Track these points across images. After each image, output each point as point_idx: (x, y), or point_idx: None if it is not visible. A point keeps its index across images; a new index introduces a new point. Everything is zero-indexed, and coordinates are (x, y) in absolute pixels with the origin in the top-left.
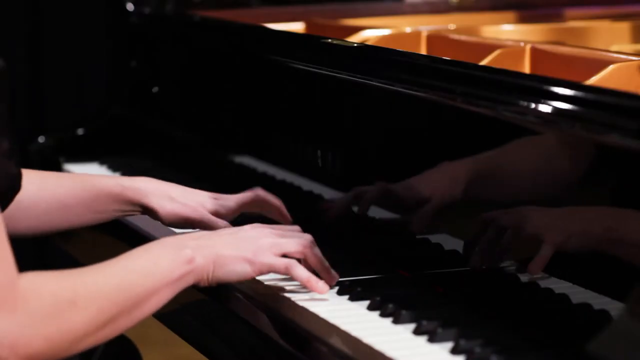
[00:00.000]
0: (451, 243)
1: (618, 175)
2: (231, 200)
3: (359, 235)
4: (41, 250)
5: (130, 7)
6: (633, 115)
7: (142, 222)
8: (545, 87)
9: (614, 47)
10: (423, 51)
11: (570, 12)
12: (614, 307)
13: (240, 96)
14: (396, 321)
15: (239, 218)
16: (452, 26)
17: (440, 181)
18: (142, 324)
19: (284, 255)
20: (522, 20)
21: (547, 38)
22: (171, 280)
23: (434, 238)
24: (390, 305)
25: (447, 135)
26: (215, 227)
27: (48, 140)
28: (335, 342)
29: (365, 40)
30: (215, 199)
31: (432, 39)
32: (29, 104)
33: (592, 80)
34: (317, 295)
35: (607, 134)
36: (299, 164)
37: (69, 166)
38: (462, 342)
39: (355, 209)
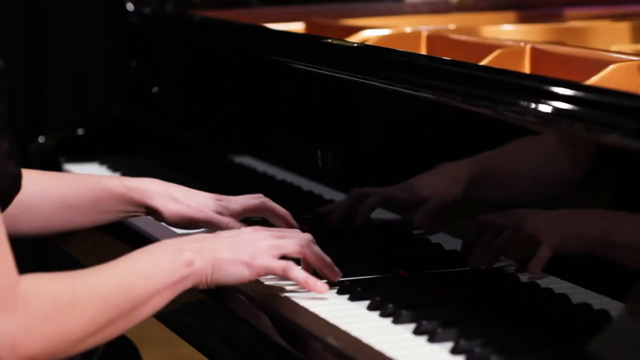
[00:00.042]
0: (451, 243)
1: (618, 175)
2: (236, 204)
3: (359, 235)
4: (41, 251)
5: (130, 7)
6: (633, 115)
7: (142, 222)
8: (545, 87)
9: (614, 47)
10: (423, 51)
11: (570, 12)
12: (614, 307)
13: (240, 96)
14: (396, 321)
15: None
16: (452, 26)
17: (440, 181)
18: (142, 324)
19: (284, 257)
20: (522, 20)
21: (547, 38)
22: (171, 283)
23: (434, 238)
24: (390, 305)
25: (447, 135)
26: (221, 227)
27: (48, 140)
28: (335, 342)
29: (365, 40)
30: (219, 200)
31: (432, 39)
32: (29, 104)
33: (592, 80)
34: (317, 295)
35: (607, 134)
36: (299, 164)
37: (69, 166)
38: (462, 342)
39: (355, 210)
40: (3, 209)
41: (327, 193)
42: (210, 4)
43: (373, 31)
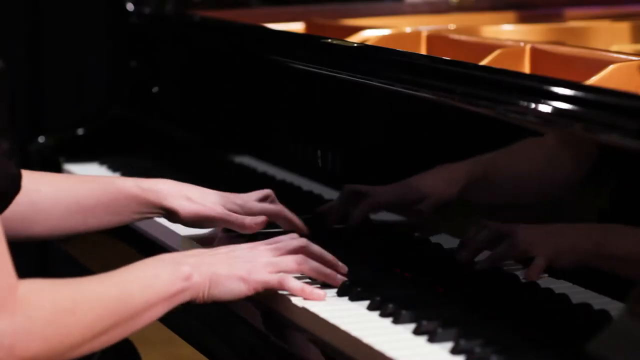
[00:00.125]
0: (451, 243)
1: (618, 175)
2: (254, 208)
3: (359, 235)
4: (43, 252)
5: (130, 7)
6: (633, 115)
7: (143, 223)
8: (545, 87)
9: (614, 47)
10: (423, 51)
11: (570, 12)
12: (614, 307)
13: (240, 96)
14: (396, 321)
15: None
16: (452, 26)
17: (439, 181)
18: None
19: None
20: (522, 20)
21: (547, 38)
22: (168, 295)
23: (434, 238)
24: (390, 305)
25: (447, 135)
26: (237, 225)
27: (48, 140)
28: (335, 342)
29: (365, 40)
30: (234, 201)
31: (432, 39)
32: (29, 104)
33: (592, 80)
34: None
35: (607, 134)
36: (299, 164)
37: (69, 166)
38: (462, 342)
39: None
40: (3, 210)
41: (327, 193)
42: (210, 4)
43: (373, 31)
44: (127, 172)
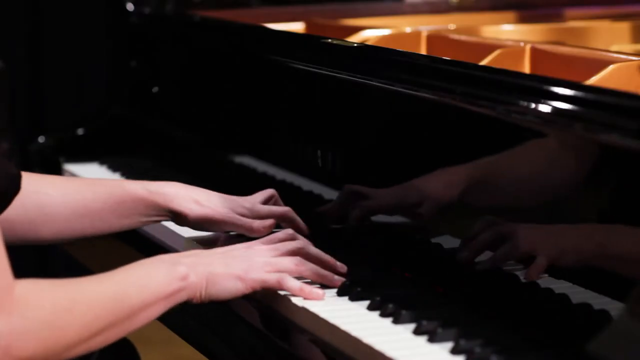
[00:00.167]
0: (451, 243)
1: (618, 175)
2: (262, 211)
3: (359, 235)
4: (43, 252)
5: (130, 7)
6: (633, 115)
7: None
8: (545, 87)
9: (614, 47)
10: (423, 51)
11: (570, 12)
12: (614, 307)
13: (240, 96)
14: (396, 321)
15: None
16: (452, 26)
17: (439, 183)
18: None
19: None
20: (522, 20)
21: (547, 38)
22: (165, 295)
23: (435, 239)
24: (390, 305)
25: (447, 135)
26: (245, 228)
27: (48, 140)
28: (335, 342)
29: (365, 40)
30: (242, 204)
31: (432, 39)
32: (29, 104)
33: (592, 80)
34: None
35: (607, 134)
36: (299, 164)
37: (69, 166)
38: (462, 342)
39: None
40: (2, 210)
41: (327, 193)
42: (210, 4)
43: (373, 31)
44: (127, 172)
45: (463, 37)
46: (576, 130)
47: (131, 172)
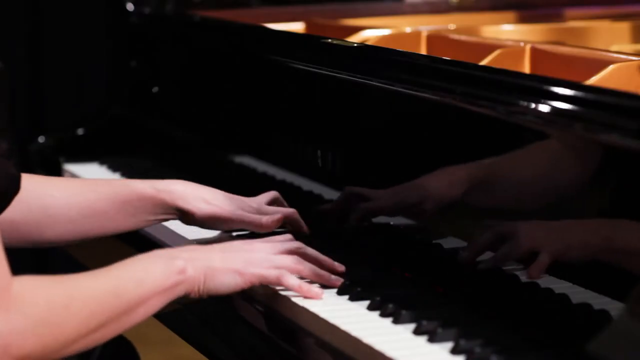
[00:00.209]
0: (451, 243)
1: (618, 175)
2: (269, 210)
3: (359, 235)
4: (43, 252)
5: (130, 7)
6: (633, 115)
7: None
8: (545, 87)
9: (614, 47)
10: (423, 51)
11: (570, 12)
12: (614, 307)
13: (240, 96)
14: (396, 321)
15: None
16: (452, 26)
17: (440, 184)
18: (141, 324)
19: None
20: (522, 20)
21: (547, 38)
22: (162, 289)
23: (435, 239)
24: (390, 305)
25: (447, 135)
26: (254, 225)
27: (48, 140)
28: (335, 342)
29: (365, 40)
30: (249, 204)
31: (432, 39)
32: (29, 104)
33: (592, 80)
34: None
35: (607, 134)
36: (299, 164)
37: (69, 166)
38: (462, 342)
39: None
40: (2, 210)
41: (327, 193)
42: (210, 4)
43: (373, 31)
44: (127, 172)
45: (463, 37)
46: (576, 130)
47: (131, 172)
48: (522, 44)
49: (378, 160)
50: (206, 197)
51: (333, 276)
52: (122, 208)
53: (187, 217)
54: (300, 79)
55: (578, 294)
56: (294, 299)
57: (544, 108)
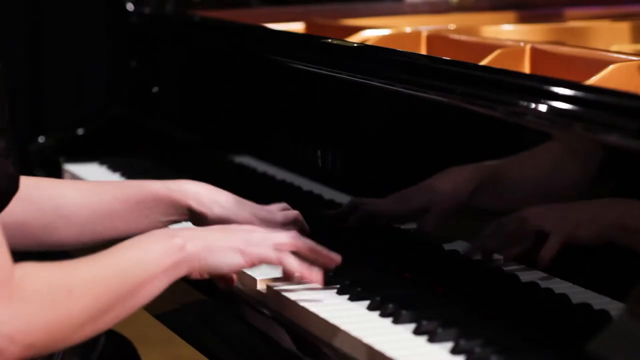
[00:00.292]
0: (451, 243)
1: (618, 175)
2: (278, 216)
3: (359, 235)
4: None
5: (130, 7)
6: (633, 115)
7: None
8: (545, 87)
9: (614, 47)
10: (423, 51)
11: (570, 12)
12: (614, 307)
13: (240, 96)
14: (396, 321)
15: None
16: (452, 26)
17: (447, 183)
18: (141, 324)
19: None
20: (522, 20)
21: (547, 38)
22: (164, 268)
23: (448, 245)
24: (390, 305)
25: (447, 135)
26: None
27: (48, 140)
28: (335, 341)
29: (365, 40)
30: (262, 208)
31: (432, 39)
32: (29, 104)
33: (592, 80)
34: (317, 295)
35: (607, 134)
36: (299, 164)
37: (69, 166)
38: (462, 342)
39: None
40: (1, 210)
41: (327, 193)
42: (210, 4)
43: (373, 31)
44: (127, 172)
45: (463, 37)
46: (576, 130)
47: (131, 172)
48: (522, 44)
49: (378, 160)
50: (220, 200)
51: (332, 254)
52: (135, 208)
53: (198, 218)
54: (300, 79)
55: (578, 294)
56: (294, 299)
57: (544, 108)
